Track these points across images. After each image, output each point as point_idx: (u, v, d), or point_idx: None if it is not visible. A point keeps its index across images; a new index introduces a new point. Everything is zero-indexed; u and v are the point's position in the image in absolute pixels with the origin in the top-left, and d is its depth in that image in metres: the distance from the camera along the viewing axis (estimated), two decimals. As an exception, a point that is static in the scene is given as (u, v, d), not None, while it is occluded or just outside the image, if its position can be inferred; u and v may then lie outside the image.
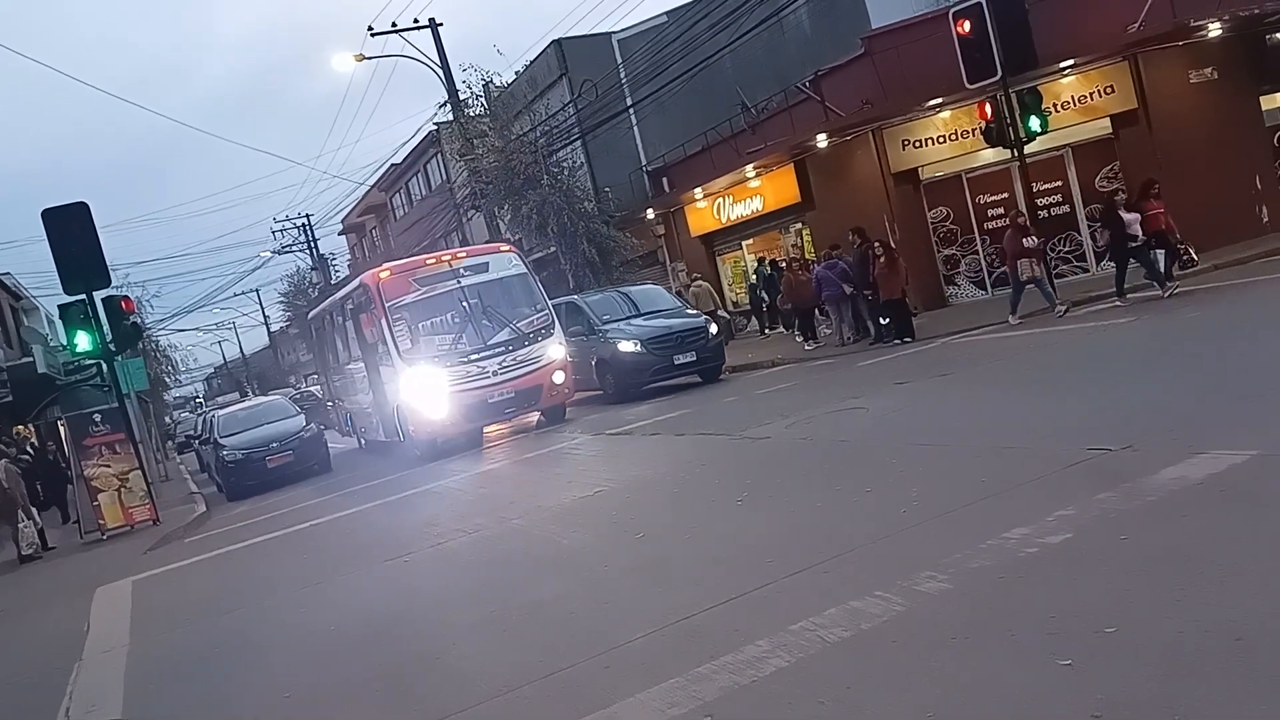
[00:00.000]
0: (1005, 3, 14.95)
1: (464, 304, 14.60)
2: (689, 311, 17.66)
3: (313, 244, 47.21)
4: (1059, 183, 18.23)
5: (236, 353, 76.16)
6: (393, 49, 24.45)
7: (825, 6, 25.48)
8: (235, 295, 58.25)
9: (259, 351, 75.02)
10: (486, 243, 22.43)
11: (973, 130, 17.47)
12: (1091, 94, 17.69)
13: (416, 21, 24.28)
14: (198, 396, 79.87)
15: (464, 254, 15.67)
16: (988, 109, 15.09)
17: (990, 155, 17.75)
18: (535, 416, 15.73)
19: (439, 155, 35.95)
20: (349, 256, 53.67)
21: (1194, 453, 5.19)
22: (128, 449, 14.41)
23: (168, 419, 50.57)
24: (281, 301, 55.71)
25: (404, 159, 38.87)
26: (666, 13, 26.81)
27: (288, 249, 47.59)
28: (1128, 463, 5.37)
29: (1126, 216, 13.54)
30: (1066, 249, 18.35)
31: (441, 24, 24.23)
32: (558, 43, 28.36)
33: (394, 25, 24.03)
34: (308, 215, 48.81)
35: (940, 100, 17.93)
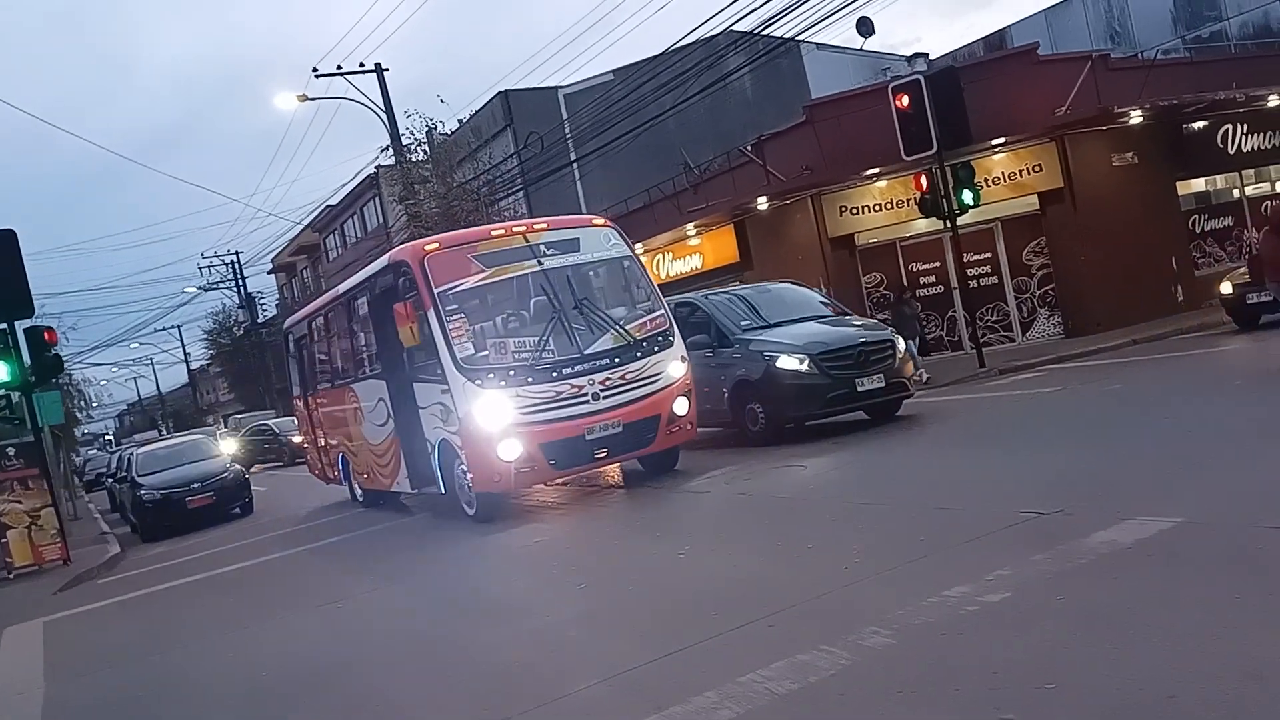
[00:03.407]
0: (942, 80, 15.71)
1: (548, 295, 10.12)
2: (853, 318, 12.86)
3: (241, 281, 46.44)
4: (988, 254, 18.89)
5: (153, 389, 74.21)
6: (337, 90, 24.33)
7: (768, 73, 26.24)
8: (156, 331, 56.90)
9: (177, 390, 73.10)
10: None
11: (908, 200, 18.05)
12: (1021, 171, 18.44)
13: (362, 65, 24.31)
14: (107, 434, 77.34)
15: (544, 225, 10.87)
16: (923, 181, 15.64)
17: (924, 225, 18.32)
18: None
19: (377, 198, 35.80)
20: (277, 296, 52.88)
21: (1122, 518, 5.37)
22: (41, 485, 13.84)
23: (76, 456, 48.78)
24: (205, 339, 54.65)
25: (341, 200, 38.60)
26: (613, 71, 27.31)
27: (215, 285, 46.79)
28: (1061, 526, 5.54)
29: None
30: (994, 318, 18.98)
31: (387, 69, 24.33)
32: (504, 94, 28.68)
33: (339, 67, 24.03)
34: (237, 252, 48.06)
35: (878, 170, 18.51)
